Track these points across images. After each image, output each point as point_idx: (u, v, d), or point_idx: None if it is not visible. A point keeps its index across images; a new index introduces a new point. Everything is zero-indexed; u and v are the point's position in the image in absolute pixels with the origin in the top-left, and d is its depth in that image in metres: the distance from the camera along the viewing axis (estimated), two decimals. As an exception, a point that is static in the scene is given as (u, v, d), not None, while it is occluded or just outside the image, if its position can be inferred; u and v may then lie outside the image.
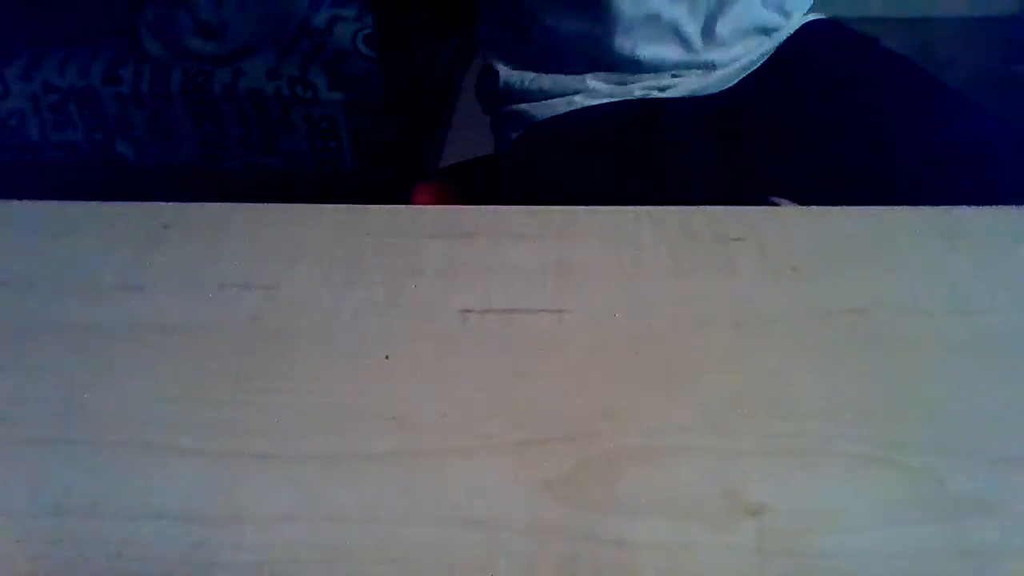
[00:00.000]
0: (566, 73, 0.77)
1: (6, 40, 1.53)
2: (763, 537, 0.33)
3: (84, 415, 0.39)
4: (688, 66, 0.77)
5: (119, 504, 0.35)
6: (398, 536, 0.34)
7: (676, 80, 0.77)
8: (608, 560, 0.33)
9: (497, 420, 0.38)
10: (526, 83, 0.78)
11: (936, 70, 0.77)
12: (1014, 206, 0.49)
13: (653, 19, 0.74)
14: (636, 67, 0.76)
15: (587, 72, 0.76)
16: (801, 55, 0.80)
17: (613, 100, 0.76)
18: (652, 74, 0.76)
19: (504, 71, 0.80)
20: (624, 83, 0.76)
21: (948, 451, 0.36)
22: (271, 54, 1.48)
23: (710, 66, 0.77)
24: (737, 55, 0.79)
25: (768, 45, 0.80)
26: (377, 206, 0.50)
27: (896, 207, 0.49)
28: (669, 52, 0.76)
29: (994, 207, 0.49)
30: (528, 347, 0.41)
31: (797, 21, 0.81)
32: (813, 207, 0.52)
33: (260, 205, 0.50)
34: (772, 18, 0.79)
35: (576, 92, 0.76)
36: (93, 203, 0.51)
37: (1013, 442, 0.37)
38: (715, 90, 0.78)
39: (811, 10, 0.83)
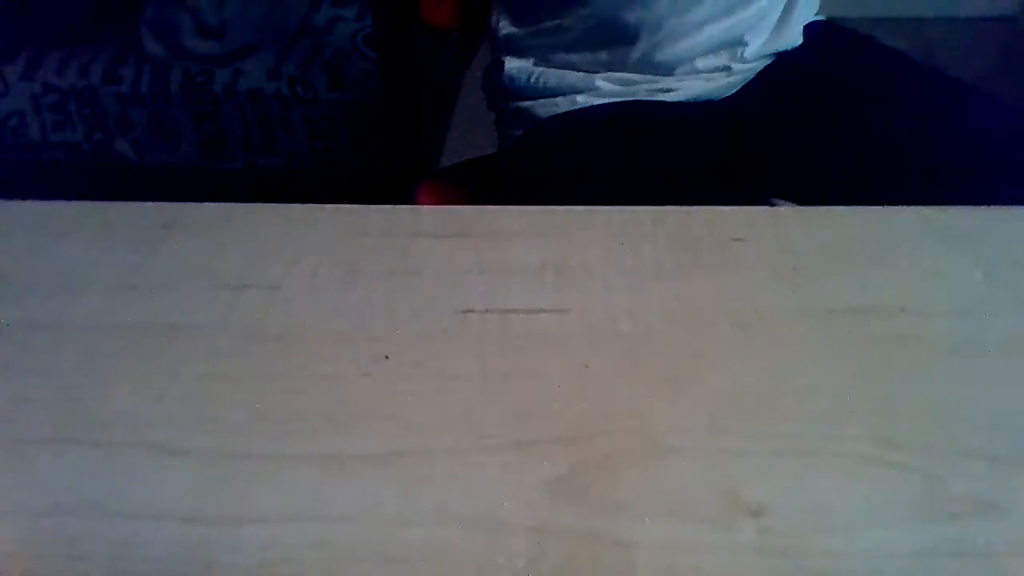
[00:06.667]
0: (580, 69, 0.77)
1: (6, 40, 1.53)
2: (763, 537, 0.33)
3: (84, 415, 0.39)
4: (709, 69, 0.77)
5: (119, 504, 0.35)
6: (398, 536, 0.34)
7: (681, 83, 0.77)
8: (608, 560, 0.33)
9: (497, 420, 0.38)
10: (532, 79, 0.78)
11: (936, 70, 0.77)
12: (1014, 206, 0.49)
13: (695, 24, 0.74)
14: (655, 68, 0.76)
15: (599, 72, 0.76)
16: (801, 56, 0.80)
17: (616, 100, 0.76)
18: (661, 76, 0.76)
19: (510, 66, 0.79)
20: (631, 84, 0.76)
21: (948, 451, 0.36)
22: (271, 54, 1.48)
23: (725, 69, 0.77)
24: (751, 66, 0.79)
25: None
26: (377, 206, 0.50)
27: (896, 207, 0.49)
28: (693, 53, 0.76)
29: (994, 207, 0.49)
30: (528, 347, 0.41)
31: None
32: (813, 207, 0.52)
33: (260, 205, 0.50)
34: (794, 40, 0.80)
35: (581, 91, 0.76)
36: (93, 203, 0.51)
37: (1013, 442, 0.37)
38: (719, 95, 0.78)
39: None
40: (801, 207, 0.67)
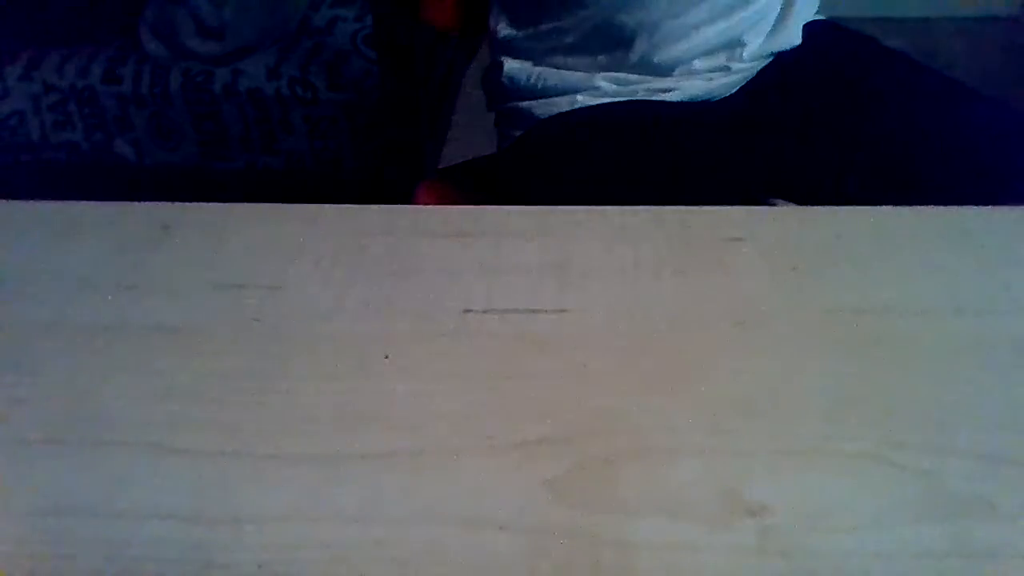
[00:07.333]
0: (579, 71, 0.77)
1: (6, 40, 1.52)
2: (763, 537, 0.33)
3: (84, 415, 0.39)
4: (708, 69, 0.77)
5: (119, 504, 0.35)
6: (398, 536, 0.34)
7: (680, 84, 0.77)
8: (608, 560, 0.33)
9: (497, 420, 0.38)
10: (532, 79, 0.78)
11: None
12: (1014, 206, 0.49)
13: (691, 27, 0.74)
14: (654, 70, 0.76)
15: (598, 72, 0.76)
16: (801, 57, 0.80)
17: (615, 100, 0.76)
18: (660, 77, 0.76)
19: (510, 66, 0.79)
20: (630, 84, 0.76)
21: (948, 451, 0.36)
22: (271, 54, 1.48)
23: (724, 70, 0.77)
24: (750, 66, 0.79)
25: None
26: (377, 206, 0.50)
27: (896, 207, 0.49)
28: (691, 54, 0.76)
29: (994, 207, 0.49)
30: (528, 347, 0.41)
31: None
32: (813, 207, 0.52)
33: (260, 205, 0.50)
34: (793, 40, 0.79)
35: (581, 91, 0.76)
36: (93, 203, 0.51)
37: (1013, 442, 0.37)
38: (718, 95, 0.78)
39: None
40: (801, 207, 0.67)
